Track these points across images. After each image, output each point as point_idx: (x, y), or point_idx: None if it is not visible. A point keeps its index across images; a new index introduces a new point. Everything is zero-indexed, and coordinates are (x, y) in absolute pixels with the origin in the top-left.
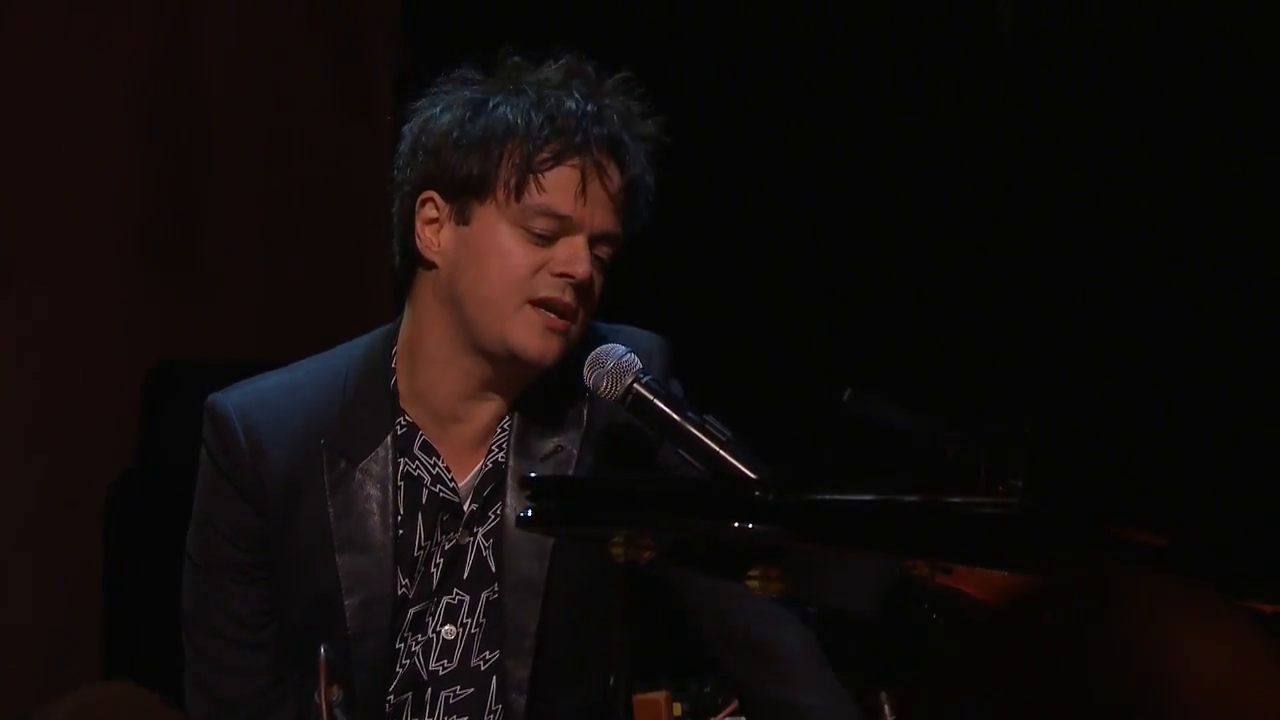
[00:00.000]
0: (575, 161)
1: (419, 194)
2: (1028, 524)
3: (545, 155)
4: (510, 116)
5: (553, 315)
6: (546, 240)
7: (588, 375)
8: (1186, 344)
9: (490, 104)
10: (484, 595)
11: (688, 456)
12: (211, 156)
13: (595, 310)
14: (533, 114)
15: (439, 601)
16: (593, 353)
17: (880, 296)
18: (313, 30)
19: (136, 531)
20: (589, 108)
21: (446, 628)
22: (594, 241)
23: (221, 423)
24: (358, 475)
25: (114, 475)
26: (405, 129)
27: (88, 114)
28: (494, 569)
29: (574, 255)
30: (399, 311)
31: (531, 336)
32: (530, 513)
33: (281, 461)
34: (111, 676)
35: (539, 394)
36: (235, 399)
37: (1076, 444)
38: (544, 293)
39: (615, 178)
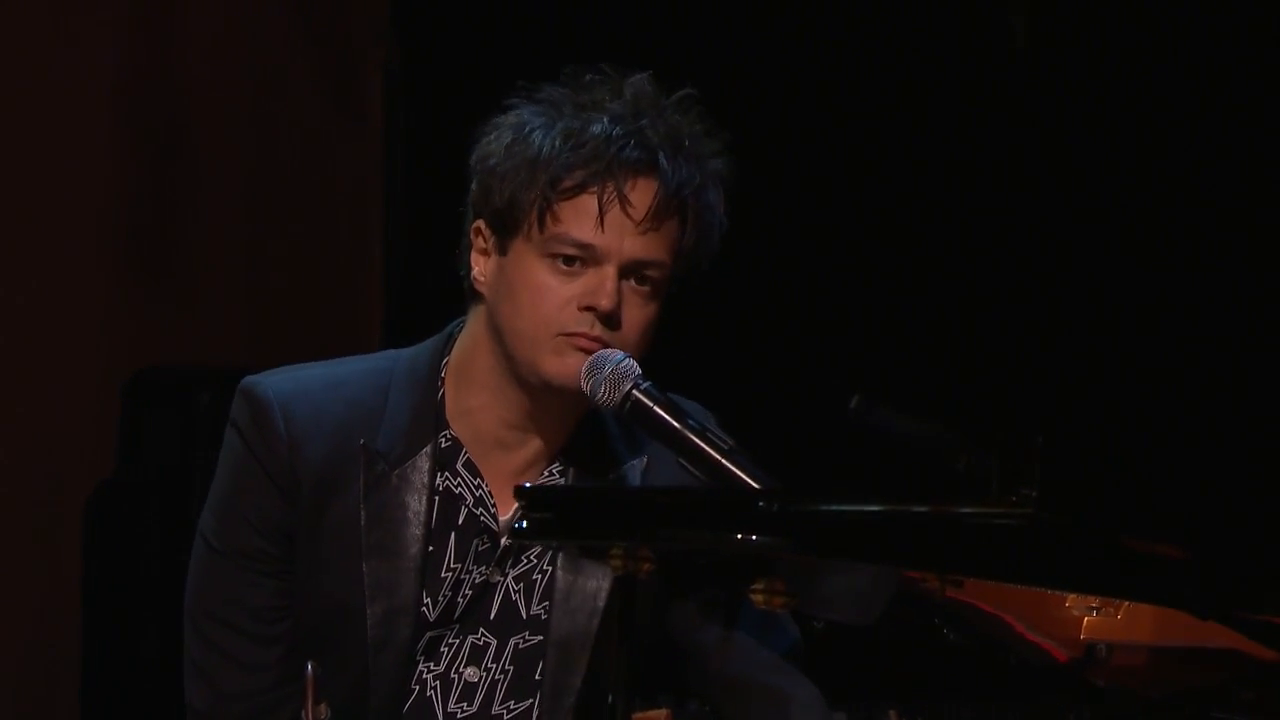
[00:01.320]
0: (594, 189)
1: (474, 222)
2: (1041, 536)
3: (566, 184)
4: (538, 144)
5: (583, 339)
6: (576, 270)
7: (585, 381)
8: (1206, 352)
9: (527, 130)
10: (513, 641)
11: (689, 466)
12: (193, 153)
13: (647, 341)
14: (558, 141)
15: (464, 639)
16: (590, 357)
17: (889, 301)
18: (299, 22)
19: (116, 546)
20: (615, 131)
21: (470, 670)
22: (628, 270)
23: (260, 407)
24: (395, 480)
25: (92, 488)
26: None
27: (62, 109)
28: (524, 615)
29: (598, 287)
30: (387, 319)
31: (561, 361)
32: (526, 524)
33: (318, 456)
34: (89, 691)
35: (599, 440)
36: (276, 385)
37: (1092, 453)
38: (571, 327)
39: (645, 199)
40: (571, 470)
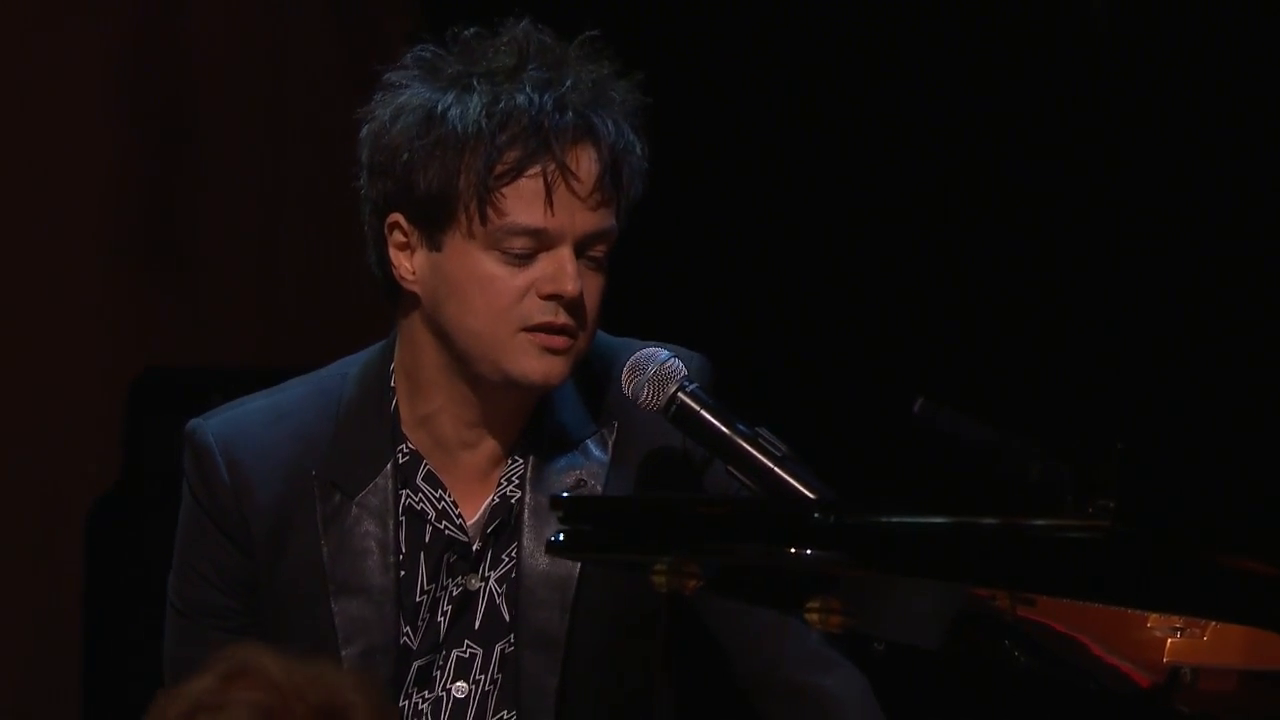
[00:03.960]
0: (536, 168)
1: (384, 216)
2: (1120, 551)
3: (502, 168)
4: (460, 127)
5: (549, 335)
6: (528, 258)
7: (626, 383)
8: None
9: (440, 111)
10: (498, 648)
11: (738, 474)
12: (201, 139)
13: (600, 316)
14: (483, 121)
15: (449, 655)
16: (632, 357)
17: (957, 297)
18: None
19: (120, 553)
20: (545, 99)
21: (458, 684)
22: (582, 245)
23: (202, 453)
24: (354, 510)
25: (96, 493)
26: (362, 133)
27: (62, 90)
28: (508, 619)
29: (559, 271)
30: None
31: (530, 362)
32: (562, 536)
33: (268, 496)
34: (90, 695)
35: (555, 419)
36: (216, 426)
37: (1175, 460)
38: (536, 318)
39: (590, 168)
40: (532, 458)
